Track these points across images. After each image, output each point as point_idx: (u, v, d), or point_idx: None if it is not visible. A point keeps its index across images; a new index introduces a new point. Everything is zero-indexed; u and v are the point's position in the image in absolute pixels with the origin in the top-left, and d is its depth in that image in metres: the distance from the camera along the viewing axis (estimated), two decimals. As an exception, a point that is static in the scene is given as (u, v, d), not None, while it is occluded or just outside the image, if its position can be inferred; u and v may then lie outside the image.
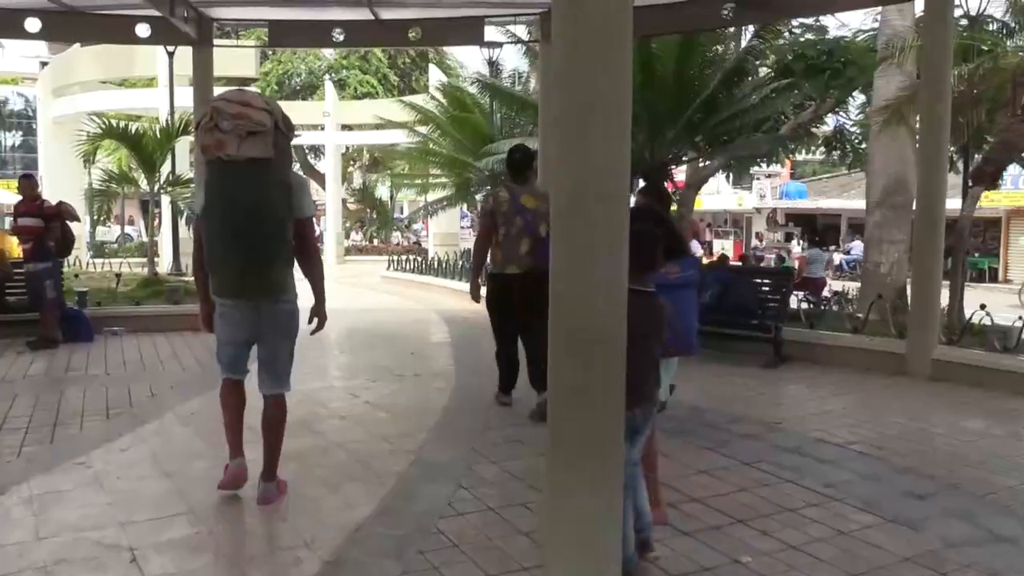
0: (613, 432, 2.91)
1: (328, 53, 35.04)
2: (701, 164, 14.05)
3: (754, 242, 34.22)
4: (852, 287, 15.77)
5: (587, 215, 2.80)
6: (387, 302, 13.34)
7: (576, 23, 2.82)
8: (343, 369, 7.49)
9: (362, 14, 9.60)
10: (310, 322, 4.06)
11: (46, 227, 8.34)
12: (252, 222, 3.64)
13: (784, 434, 5.47)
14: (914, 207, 8.30)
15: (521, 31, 13.21)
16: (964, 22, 11.15)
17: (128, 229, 30.41)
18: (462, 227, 32.12)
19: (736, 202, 36.61)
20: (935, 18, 7.43)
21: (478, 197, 16.64)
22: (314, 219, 4.05)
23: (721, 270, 9.14)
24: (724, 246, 34.29)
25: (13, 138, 50.30)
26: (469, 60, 61.84)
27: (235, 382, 4.02)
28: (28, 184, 8.59)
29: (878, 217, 10.58)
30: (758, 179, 36.36)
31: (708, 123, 11.32)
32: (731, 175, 21.66)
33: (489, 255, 5.79)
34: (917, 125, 11.21)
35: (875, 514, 4.03)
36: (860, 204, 28.66)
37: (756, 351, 7.97)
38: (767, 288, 8.45)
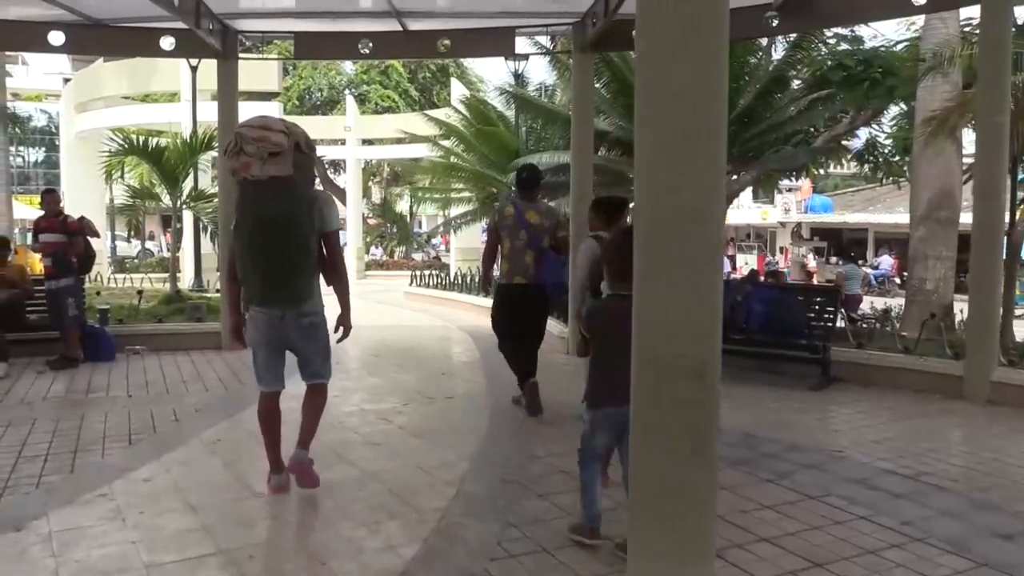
0: (706, 481, 2.58)
1: (349, 68, 35.09)
2: (732, 178, 13.72)
3: (767, 256, 33.83)
4: (880, 303, 15.37)
5: (680, 237, 2.50)
6: (412, 319, 13.07)
7: (668, 24, 2.52)
8: (372, 392, 7.20)
9: (390, 25, 9.39)
10: (336, 331, 4.26)
11: (69, 243, 8.15)
12: (276, 235, 3.95)
13: (848, 464, 5.12)
14: (961, 221, 7.95)
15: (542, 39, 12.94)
16: (1012, 31, 10.77)
17: (148, 244, 30.40)
18: (483, 242, 32.01)
19: (760, 216, 36.18)
20: (993, 24, 7.09)
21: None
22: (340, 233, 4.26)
23: (765, 288, 8.80)
24: (747, 260, 33.91)
25: (36, 154, 50.77)
26: (490, 75, 61.72)
27: (272, 396, 4.27)
28: (51, 199, 8.41)
29: (923, 232, 10.20)
30: (780, 193, 35.95)
31: (743, 135, 11.00)
32: (759, 190, 21.29)
33: (497, 267, 6.22)
34: (964, 137, 10.97)
35: (964, 557, 3.68)
36: (887, 218, 28.31)
37: (802, 372, 7.63)
38: (815, 306, 8.10)
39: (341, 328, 4.26)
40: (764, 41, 12.00)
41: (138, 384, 7.40)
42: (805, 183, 35.64)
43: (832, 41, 13.60)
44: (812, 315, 8.04)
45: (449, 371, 8.26)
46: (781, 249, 36.42)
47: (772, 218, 35.78)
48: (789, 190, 35.39)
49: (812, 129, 13.41)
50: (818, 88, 11.44)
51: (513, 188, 14.60)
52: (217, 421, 6.01)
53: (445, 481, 4.63)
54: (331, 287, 4.21)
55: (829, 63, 11.84)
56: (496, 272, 6.31)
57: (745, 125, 11.04)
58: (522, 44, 10.16)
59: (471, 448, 5.36)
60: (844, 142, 14.63)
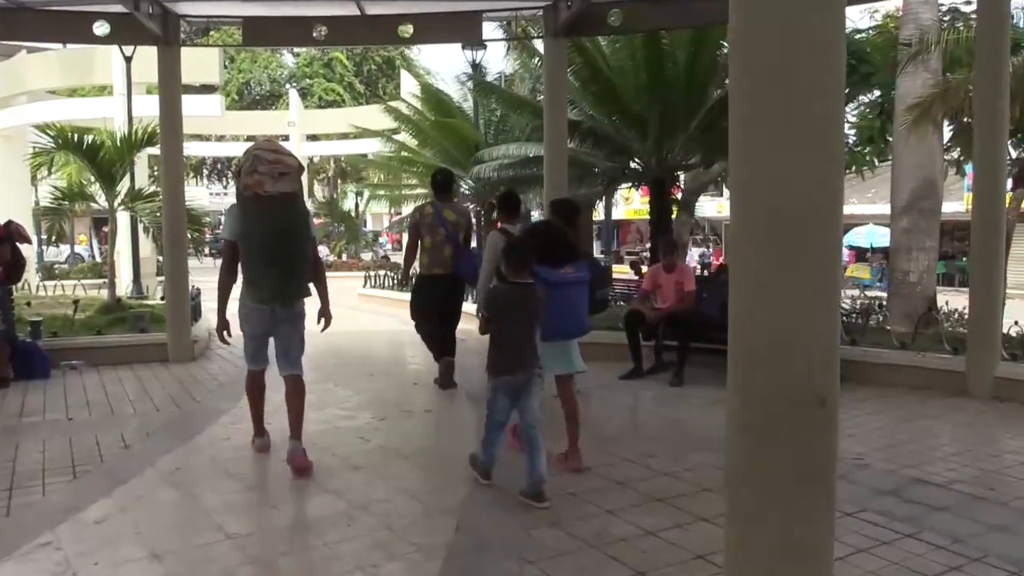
0: (823, 531, 2.17)
1: (290, 60, 34.22)
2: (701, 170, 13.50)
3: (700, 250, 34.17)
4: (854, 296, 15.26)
5: (794, 241, 2.09)
6: (371, 323, 12.56)
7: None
8: (344, 405, 6.71)
9: (347, 9, 8.87)
10: (318, 322, 5.05)
11: (-6, 251, 7.44)
12: (284, 242, 4.73)
13: (874, 473, 4.83)
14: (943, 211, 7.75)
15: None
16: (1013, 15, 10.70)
17: (78, 248, 29.13)
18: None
19: (716, 209, 36.30)
20: (992, 7, 6.88)
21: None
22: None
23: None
24: (702, 254, 34.02)
25: (-48, 155, 48.56)
26: (437, 66, 60.95)
27: (259, 372, 5.16)
28: None
29: (906, 223, 10.05)
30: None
31: (718, 126, 10.74)
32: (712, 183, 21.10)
33: (417, 261, 7.07)
34: (946, 125, 10.86)
35: (1034, 579, 3.39)
36: (855, 210, 28.44)
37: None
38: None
39: (323, 319, 5.06)
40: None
41: (78, 405, 6.78)
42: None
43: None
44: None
45: (421, 380, 7.79)
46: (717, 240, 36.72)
47: (727, 211, 35.93)
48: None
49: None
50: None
51: (479, 181, 14.39)
52: (173, 446, 5.48)
53: (443, 509, 4.19)
54: (314, 285, 5.02)
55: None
56: (416, 266, 7.17)
57: (721, 112, 10.73)
58: (488, 30, 9.71)
59: (463, 469, 4.92)
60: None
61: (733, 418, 2.25)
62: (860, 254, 30.06)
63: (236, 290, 5.00)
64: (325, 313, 5.06)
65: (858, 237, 29.69)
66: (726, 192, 35.05)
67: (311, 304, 4.98)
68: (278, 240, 4.72)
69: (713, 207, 36.60)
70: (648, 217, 12.05)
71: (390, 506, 4.24)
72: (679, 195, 13.57)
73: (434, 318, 7.11)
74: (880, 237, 28.59)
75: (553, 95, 9.04)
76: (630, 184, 13.26)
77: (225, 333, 4.99)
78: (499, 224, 6.20)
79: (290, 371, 4.99)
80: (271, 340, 5.01)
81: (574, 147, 10.17)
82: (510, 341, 4.38)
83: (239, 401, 6.62)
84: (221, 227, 5.19)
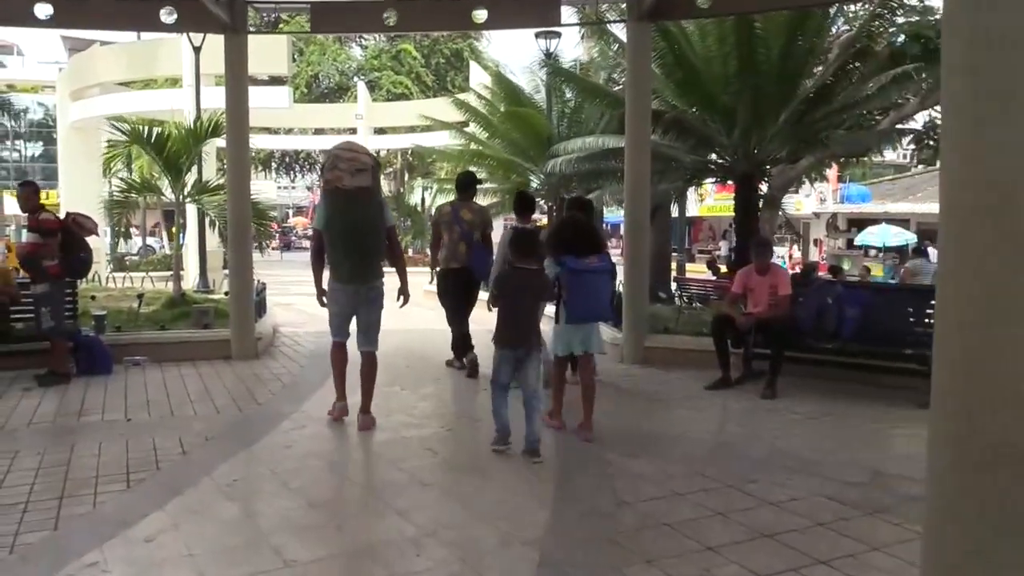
0: None
1: (358, 53, 34.31)
2: (792, 165, 12.87)
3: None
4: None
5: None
6: (438, 322, 12.22)
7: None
8: (409, 411, 6.42)
9: (419, -7, 8.55)
10: (397, 299, 5.99)
11: (43, 244, 7.28)
12: (360, 230, 5.61)
13: None
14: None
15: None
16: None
17: (150, 240, 29.70)
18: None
19: (794, 207, 35.16)
20: None
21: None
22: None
23: (859, 289, 7.94)
24: (780, 255, 32.95)
25: (34, 148, 50.20)
26: (507, 59, 60.78)
27: (341, 344, 5.94)
28: (23, 195, 7.41)
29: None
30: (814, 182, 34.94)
31: (811, 115, 10.13)
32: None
33: (438, 256, 7.84)
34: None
35: None
36: (933, 207, 27.23)
37: (903, 386, 6.75)
38: (912, 308, 7.25)
39: (402, 297, 6.02)
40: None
41: (138, 404, 6.62)
42: (832, 172, 34.61)
43: (900, 12, 12.67)
44: (912, 319, 7.17)
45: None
46: (815, 241, 35.45)
47: (806, 208, 34.73)
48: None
49: (875, 111, 12.52)
50: (893, 63, 10.51)
51: (553, 175, 14.04)
52: (232, 452, 5.23)
53: (522, 539, 3.80)
54: (393, 267, 5.95)
55: (904, 36, 10.93)
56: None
57: (818, 104, 10.16)
58: (564, 15, 9.29)
59: (539, 489, 4.54)
60: (899, 125, 13.72)
61: (938, 457, 1.80)
62: (866, 253, 29.57)
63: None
64: (404, 292, 6.03)
65: (872, 236, 29.31)
66: (805, 189, 34.00)
67: (391, 284, 5.85)
68: (355, 228, 5.60)
69: (790, 205, 35.48)
70: (721, 215, 11.44)
71: (463, 533, 3.87)
72: (764, 191, 12.95)
73: (460, 312, 7.92)
74: (893, 236, 28.58)
75: (636, 83, 8.58)
76: (714, 179, 12.69)
77: (323, 299, 5.97)
78: (519, 221, 7.37)
79: (367, 347, 5.89)
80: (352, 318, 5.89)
81: (655, 139, 9.70)
82: (513, 318, 5.27)
83: (302, 404, 6.59)
84: (315, 218, 6.00)
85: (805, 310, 7.29)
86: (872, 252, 29.25)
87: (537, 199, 19.04)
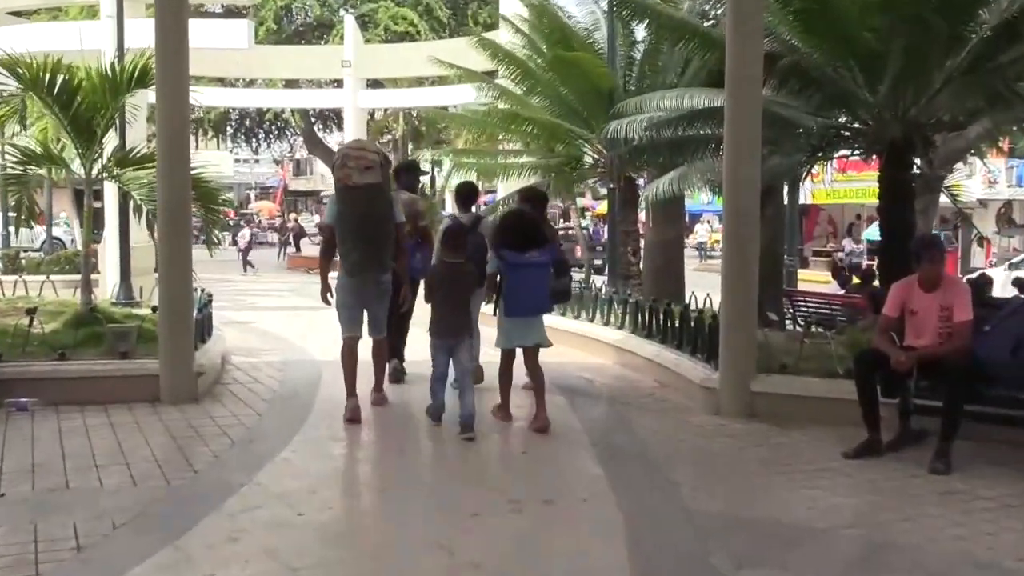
0: None
1: (346, -23, 34.29)
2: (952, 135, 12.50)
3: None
4: None
5: None
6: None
7: None
8: (422, 486, 6.34)
9: None
10: (399, 301, 8.34)
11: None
12: (370, 224, 7.76)
13: None
14: None
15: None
16: None
17: (58, 232, 29.75)
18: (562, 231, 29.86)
19: (952, 190, 34.52)
20: None
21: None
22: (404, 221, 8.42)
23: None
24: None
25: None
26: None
27: (354, 339, 7.97)
28: None
29: None
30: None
31: (997, 60, 9.73)
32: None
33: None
34: None
35: None
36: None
37: None
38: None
39: (403, 299, 8.38)
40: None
41: (18, 470, 6.43)
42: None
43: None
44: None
45: (533, 446, 7.40)
46: (981, 239, 34.73)
47: (970, 193, 34.06)
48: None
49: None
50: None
51: (597, 147, 13.72)
52: (152, 548, 4.97)
53: None
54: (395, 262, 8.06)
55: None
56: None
57: (998, 42, 9.74)
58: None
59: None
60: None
61: None
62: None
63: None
64: (404, 293, 8.34)
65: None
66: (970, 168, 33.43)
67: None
68: (365, 222, 7.68)
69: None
70: (844, 201, 11.08)
71: None
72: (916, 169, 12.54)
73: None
74: None
75: (741, 14, 8.39)
76: (853, 151, 12.31)
77: (329, 295, 8.09)
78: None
79: (376, 335, 8.26)
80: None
81: (766, 95, 9.34)
82: (443, 310, 7.50)
83: (257, 472, 6.51)
84: (325, 213, 8.37)
85: (994, 344, 6.99)
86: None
87: (586, 182, 18.80)
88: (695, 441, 7.47)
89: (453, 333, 7.47)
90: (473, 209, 9.96)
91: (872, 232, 31.32)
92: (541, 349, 7.97)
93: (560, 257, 8.91)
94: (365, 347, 8.14)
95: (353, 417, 7.79)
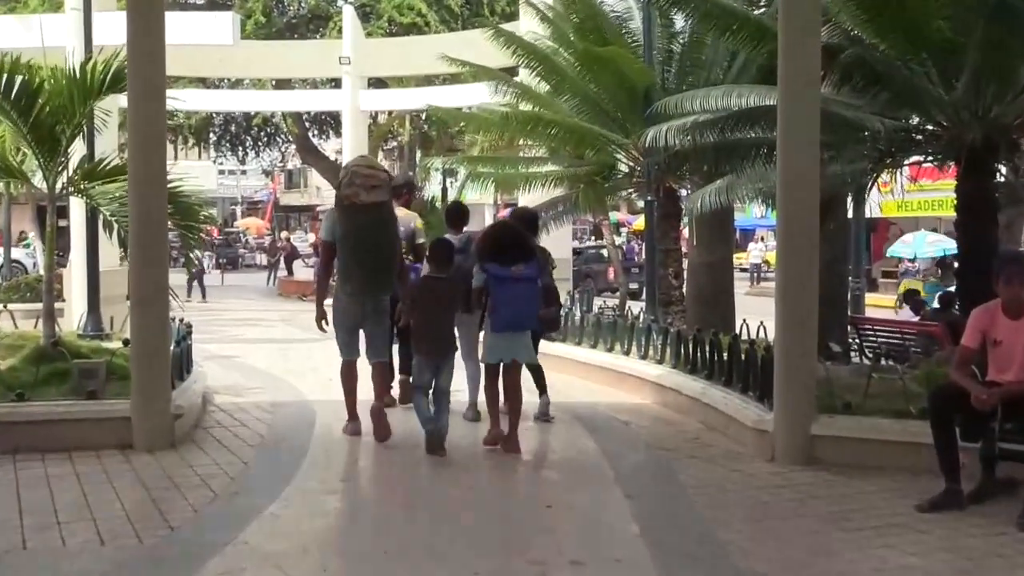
0: None
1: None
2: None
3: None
4: None
5: None
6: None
7: None
8: (440, 551, 6.28)
9: None
10: (397, 321, 9.22)
11: None
12: (375, 243, 8.72)
13: None
14: None
15: None
16: None
17: (17, 253, 29.92)
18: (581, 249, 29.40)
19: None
20: None
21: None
22: (402, 241, 9.68)
23: None
24: None
25: None
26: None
27: (352, 362, 9.09)
28: None
29: None
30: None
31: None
32: None
33: None
34: None
35: None
36: None
37: None
38: None
39: (400, 317, 9.11)
40: None
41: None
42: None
43: None
44: None
45: (559, 498, 7.41)
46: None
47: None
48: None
49: None
50: None
51: (632, 155, 13.75)
52: None
53: None
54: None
55: None
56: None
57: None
58: None
59: None
60: None
61: None
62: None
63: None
64: (403, 313, 9.03)
65: (904, 246, 33.02)
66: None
67: None
68: (369, 240, 8.63)
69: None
70: (917, 215, 11.00)
71: None
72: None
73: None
74: (929, 245, 31.42)
75: (796, 2, 8.46)
76: (925, 156, 12.26)
77: (323, 323, 9.11)
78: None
79: (376, 359, 9.10)
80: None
81: (826, 93, 9.30)
82: (426, 328, 8.62)
83: (243, 529, 6.50)
84: (321, 230, 9.22)
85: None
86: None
87: (620, 193, 18.84)
88: (746, 493, 7.44)
89: (437, 351, 8.53)
90: (465, 229, 10.67)
91: (896, 248, 32.96)
92: (568, 385, 8.21)
93: (550, 283, 9.89)
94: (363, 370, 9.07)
95: (355, 431, 9.04)
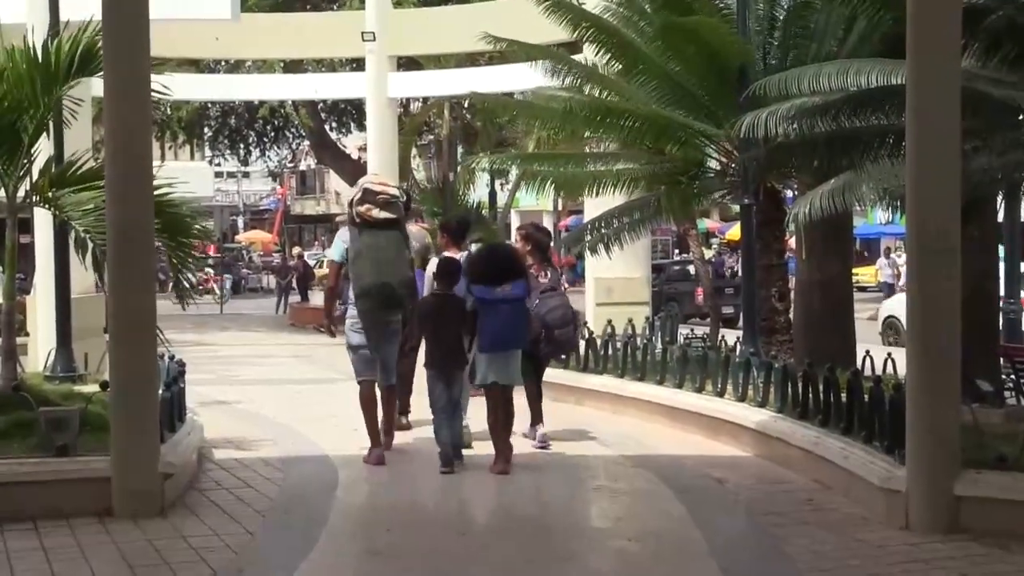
0: None
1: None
2: None
3: None
4: None
5: None
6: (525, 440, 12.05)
7: None
8: None
9: None
10: (405, 343, 11.54)
11: None
12: (389, 259, 10.73)
13: None
14: None
15: None
16: None
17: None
18: (663, 265, 29.27)
19: None
20: None
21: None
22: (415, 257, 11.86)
23: None
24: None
25: None
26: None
27: (370, 383, 10.86)
28: None
29: None
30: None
31: None
32: None
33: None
34: None
35: None
36: None
37: None
38: None
39: (407, 340, 11.51)
40: None
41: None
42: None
43: None
44: None
45: (640, 569, 7.58)
46: None
47: None
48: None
49: None
50: None
51: (724, 147, 13.77)
52: None
53: None
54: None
55: None
56: None
57: None
58: None
59: None
60: None
61: None
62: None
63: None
64: (409, 334, 11.16)
65: None
66: None
67: None
68: (384, 256, 10.44)
69: None
70: None
71: None
72: None
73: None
74: None
75: None
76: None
77: (333, 327, 11.37)
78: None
79: (386, 381, 11.00)
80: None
81: (969, 67, 9.23)
82: (435, 343, 10.46)
83: None
84: (330, 250, 11.98)
85: None
86: None
87: (710, 196, 18.83)
88: (873, 568, 7.38)
89: (449, 363, 10.43)
90: (473, 247, 12.48)
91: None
92: (648, 434, 8.75)
93: (568, 305, 12.24)
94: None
95: (379, 461, 10.62)
